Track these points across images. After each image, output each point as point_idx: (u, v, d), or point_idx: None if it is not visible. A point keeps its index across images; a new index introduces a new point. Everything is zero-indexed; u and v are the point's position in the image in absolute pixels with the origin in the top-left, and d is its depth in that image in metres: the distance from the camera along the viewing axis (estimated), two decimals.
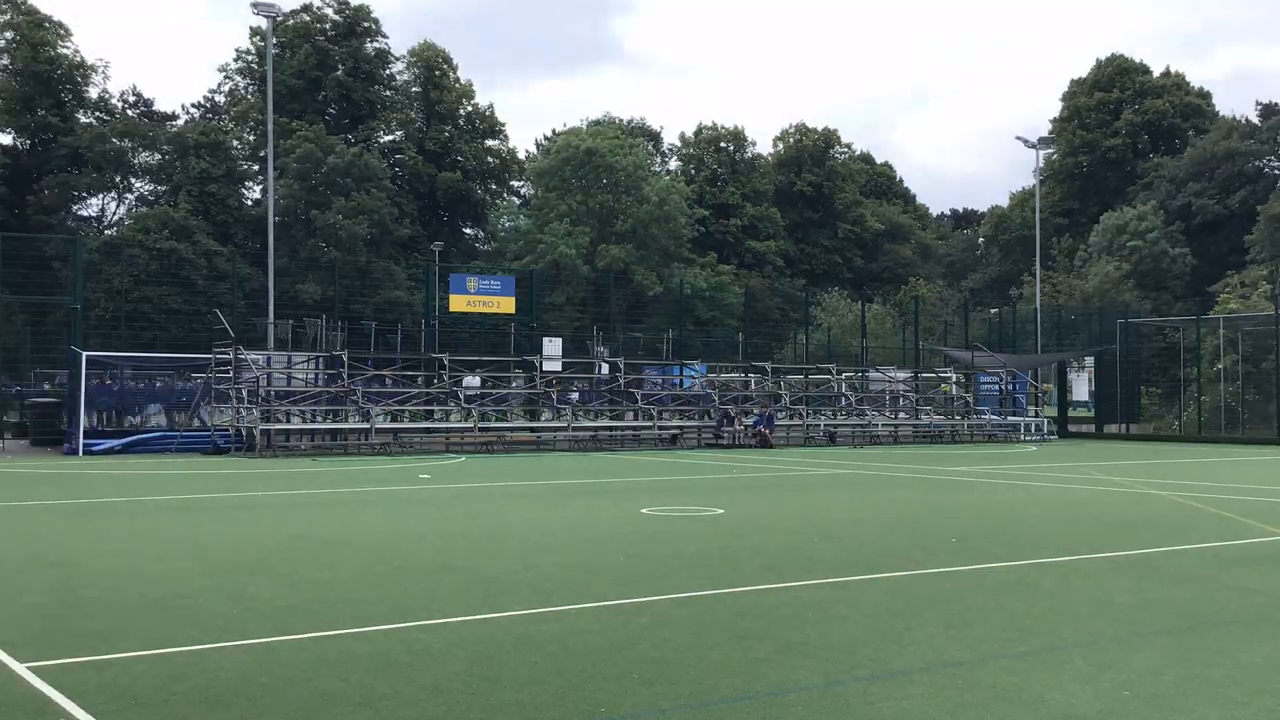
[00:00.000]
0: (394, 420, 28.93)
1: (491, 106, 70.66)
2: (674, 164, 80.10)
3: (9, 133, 60.37)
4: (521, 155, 75.43)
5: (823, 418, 34.82)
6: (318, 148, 59.07)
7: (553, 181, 64.51)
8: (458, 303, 34.33)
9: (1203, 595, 8.58)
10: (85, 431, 26.54)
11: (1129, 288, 58.17)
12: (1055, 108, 78.36)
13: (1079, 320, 49.05)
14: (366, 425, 27.42)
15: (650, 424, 31.70)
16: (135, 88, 67.98)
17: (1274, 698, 5.66)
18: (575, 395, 34.54)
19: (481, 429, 28.89)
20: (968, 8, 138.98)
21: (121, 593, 8.40)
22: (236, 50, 68.46)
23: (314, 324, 32.56)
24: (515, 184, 74.49)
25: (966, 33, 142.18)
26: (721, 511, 14.18)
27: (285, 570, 9.52)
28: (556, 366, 33.39)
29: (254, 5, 34.58)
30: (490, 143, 70.83)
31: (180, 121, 66.91)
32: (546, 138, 77.25)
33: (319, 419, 28.53)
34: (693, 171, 76.86)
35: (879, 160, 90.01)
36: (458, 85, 69.56)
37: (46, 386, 34.70)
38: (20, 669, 6.05)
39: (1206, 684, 5.90)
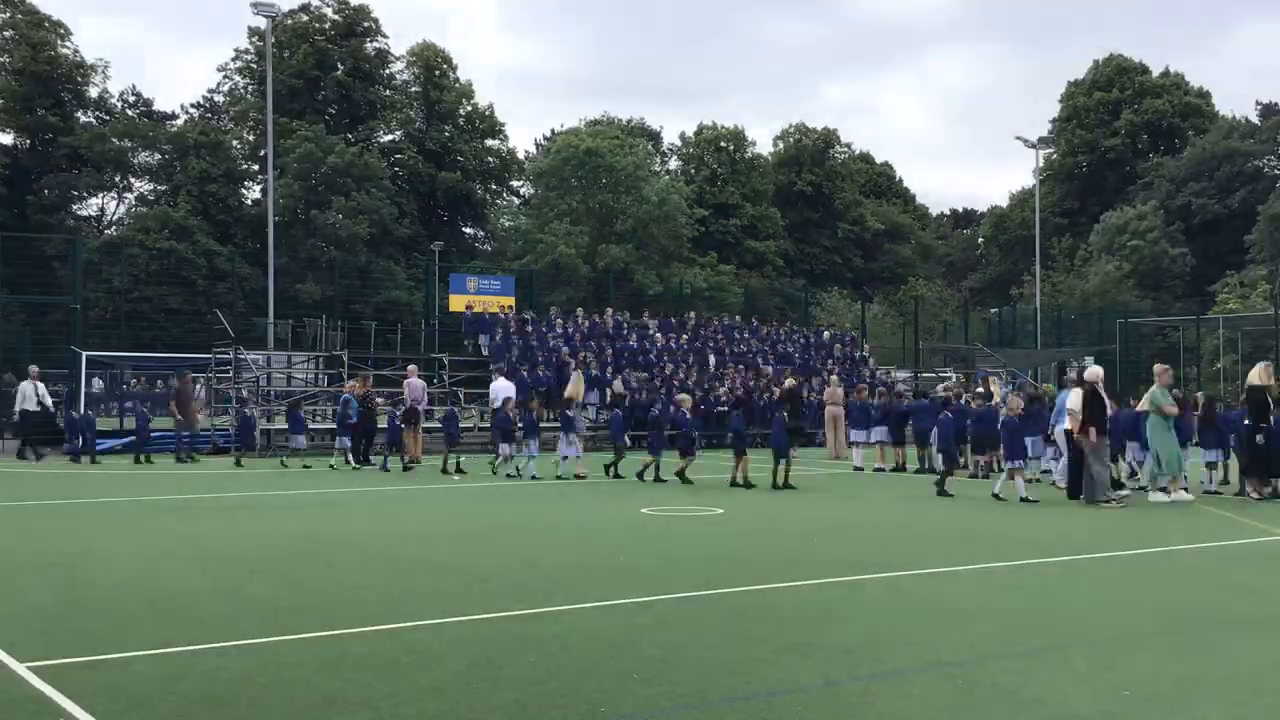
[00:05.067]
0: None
1: (491, 106, 70.75)
2: (674, 164, 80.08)
3: (9, 133, 60.40)
4: (521, 155, 75.54)
5: None
6: (317, 148, 59.04)
7: (552, 181, 64.49)
8: (458, 302, 34.31)
9: (1203, 595, 8.58)
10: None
11: (1129, 287, 58.19)
12: (1055, 107, 78.50)
13: (1079, 320, 49.08)
14: None
15: None
16: (135, 87, 68.08)
17: (1274, 698, 5.66)
18: None
19: (482, 429, 28.84)
20: (968, 6, 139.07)
21: (121, 593, 8.41)
22: (235, 50, 68.46)
23: (314, 324, 32.54)
24: (515, 184, 74.52)
25: (967, 30, 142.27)
26: (721, 511, 14.17)
27: (285, 570, 9.52)
28: None
29: (254, 5, 34.61)
30: (490, 142, 70.85)
31: (180, 121, 66.94)
32: (546, 138, 77.27)
33: (318, 419, 28.51)
34: (692, 171, 76.82)
35: (879, 160, 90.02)
36: (457, 85, 69.57)
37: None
38: (20, 669, 6.05)
39: (1206, 684, 5.90)
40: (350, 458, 22.19)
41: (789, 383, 26.90)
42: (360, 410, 23.06)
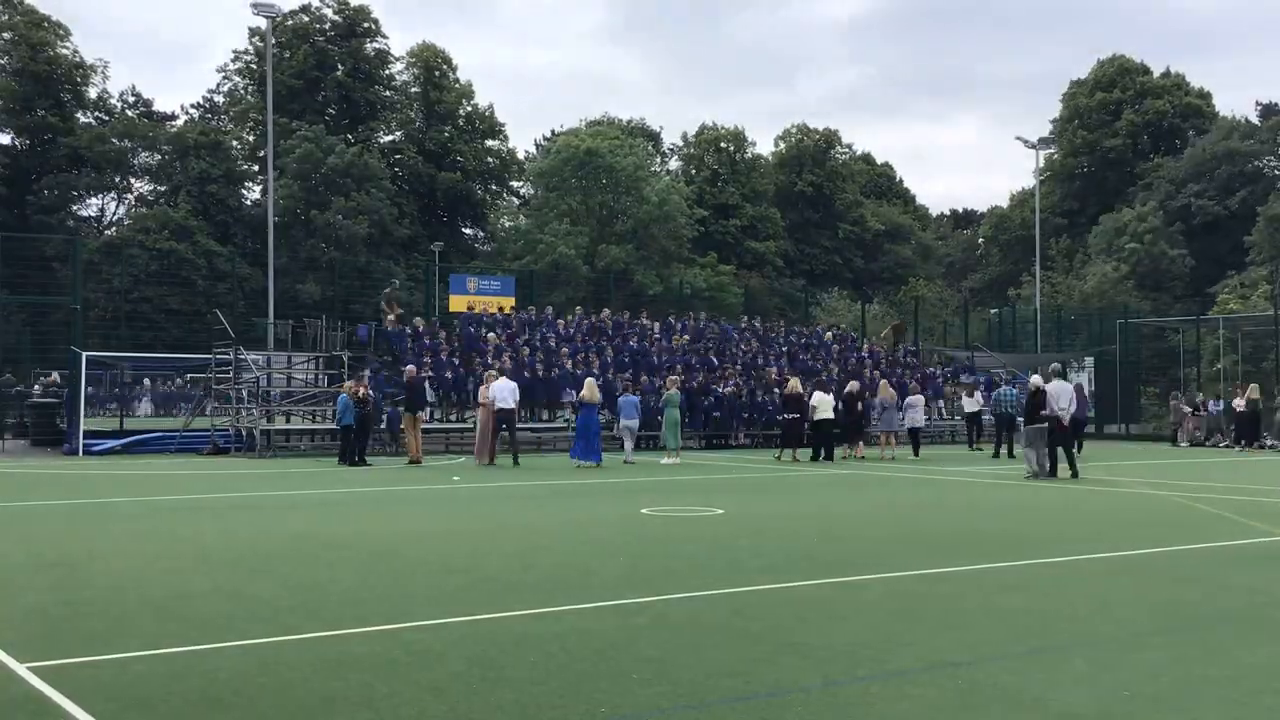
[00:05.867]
0: None
1: (491, 106, 70.76)
2: (674, 164, 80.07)
3: (9, 133, 60.40)
4: (521, 155, 75.56)
5: None
6: (317, 148, 59.04)
7: (552, 181, 64.49)
8: (458, 303, 34.31)
9: (1203, 595, 8.57)
10: (85, 431, 26.56)
11: (1128, 288, 58.16)
12: (1055, 108, 78.48)
13: (1079, 321, 49.07)
14: None
15: None
16: (134, 88, 68.08)
17: (1274, 697, 5.66)
18: None
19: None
20: (967, 6, 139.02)
21: (121, 593, 8.40)
22: (235, 51, 68.50)
23: (314, 324, 32.55)
24: (515, 184, 74.53)
25: (966, 30, 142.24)
26: (721, 511, 14.17)
27: (285, 570, 9.52)
28: None
29: (253, 5, 34.64)
30: (490, 143, 70.86)
31: (179, 122, 66.95)
32: (546, 138, 77.26)
33: (319, 419, 28.52)
34: (693, 172, 76.80)
35: (879, 160, 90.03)
36: (457, 85, 69.58)
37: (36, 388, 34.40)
38: (20, 669, 6.05)
39: (1206, 684, 5.90)
40: None
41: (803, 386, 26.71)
42: (357, 410, 23.09)
